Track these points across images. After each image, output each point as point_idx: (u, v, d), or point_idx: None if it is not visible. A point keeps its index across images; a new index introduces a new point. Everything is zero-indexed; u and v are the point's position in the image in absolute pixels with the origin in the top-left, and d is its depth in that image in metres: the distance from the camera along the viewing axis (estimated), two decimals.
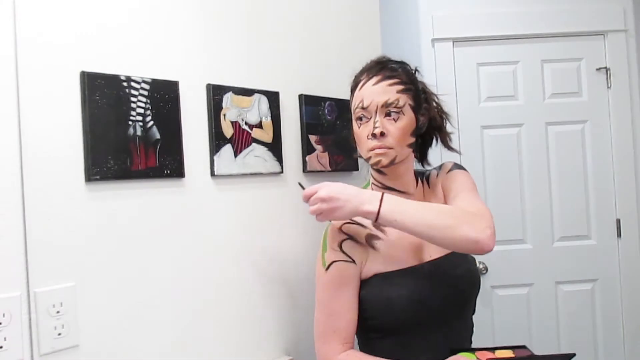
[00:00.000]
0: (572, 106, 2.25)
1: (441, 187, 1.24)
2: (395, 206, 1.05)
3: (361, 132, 1.17)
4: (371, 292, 1.15)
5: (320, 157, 1.51)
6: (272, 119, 1.38)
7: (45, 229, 0.97)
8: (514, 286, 2.23)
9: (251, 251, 1.34)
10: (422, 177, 1.29)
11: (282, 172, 1.41)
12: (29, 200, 0.96)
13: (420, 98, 1.20)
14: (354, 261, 1.16)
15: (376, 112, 1.14)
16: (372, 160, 1.16)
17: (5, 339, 0.91)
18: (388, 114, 1.14)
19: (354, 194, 1.08)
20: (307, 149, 1.48)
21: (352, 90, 1.22)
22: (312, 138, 1.49)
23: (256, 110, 1.35)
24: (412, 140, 1.18)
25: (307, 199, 1.11)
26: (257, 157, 1.35)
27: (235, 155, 1.30)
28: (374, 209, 1.05)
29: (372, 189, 1.24)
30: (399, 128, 1.14)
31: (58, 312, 0.98)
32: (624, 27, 2.23)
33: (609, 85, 2.23)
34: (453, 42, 2.24)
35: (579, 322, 2.23)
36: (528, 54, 2.25)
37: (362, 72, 1.21)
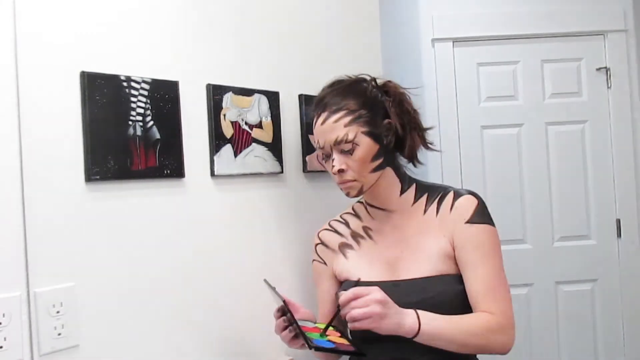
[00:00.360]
0: (572, 106, 2.25)
1: (450, 231, 1.13)
2: (432, 324, 1.02)
3: (328, 168, 1.18)
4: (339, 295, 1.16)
5: (320, 157, 1.51)
6: (272, 119, 1.38)
7: (45, 229, 0.97)
8: (514, 286, 2.19)
9: (251, 251, 1.34)
10: (435, 196, 1.18)
11: (282, 172, 1.41)
12: (29, 200, 0.95)
13: (377, 118, 1.14)
14: (325, 263, 1.28)
15: (332, 150, 1.14)
16: (344, 192, 1.17)
17: (5, 339, 0.91)
18: (342, 150, 1.13)
19: (398, 309, 1.01)
20: (307, 149, 1.48)
21: (313, 129, 1.20)
22: (312, 138, 1.49)
23: (256, 110, 1.35)
24: (377, 162, 1.14)
25: (350, 300, 0.99)
26: (257, 157, 1.35)
27: (235, 155, 1.30)
28: (415, 326, 1.00)
29: (364, 202, 1.26)
30: (356, 160, 1.12)
31: (58, 312, 0.98)
32: (624, 27, 2.23)
33: (609, 85, 2.24)
34: (453, 42, 2.25)
35: (579, 322, 2.23)
36: (528, 54, 2.25)
37: (314, 108, 1.19)
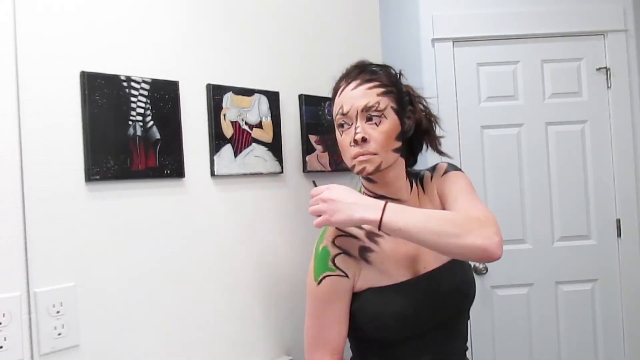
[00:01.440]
0: (572, 106, 2.25)
1: (436, 192, 1.19)
2: (398, 214, 0.99)
3: (343, 139, 1.13)
4: (363, 306, 1.11)
5: (320, 157, 1.51)
6: (272, 119, 1.38)
7: (45, 229, 0.97)
8: (514, 286, 2.24)
9: (251, 251, 1.34)
10: (416, 179, 1.23)
11: (282, 172, 1.41)
12: (29, 200, 0.96)
13: (404, 100, 1.15)
14: (347, 275, 1.11)
15: (357, 118, 1.09)
16: (357, 168, 1.10)
17: (5, 339, 0.91)
18: (369, 119, 1.08)
19: (357, 201, 1.02)
20: (307, 149, 1.48)
21: (333, 98, 1.17)
22: (312, 138, 1.49)
23: (256, 110, 1.35)
24: (398, 144, 1.12)
25: (312, 197, 1.08)
26: (257, 157, 1.35)
27: (235, 155, 1.30)
28: (376, 217, 0.99)
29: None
30: (381, 132, 1.08)
31: (58, 312, 0.98)
32: (624, 27, 2.23)
33: (609, 85, 2.24)
34: (453, 42, 2.25)
35: (579, 322, 2.23)
36: (528, 54, 2.25)
37: (341, 78, 1.16)
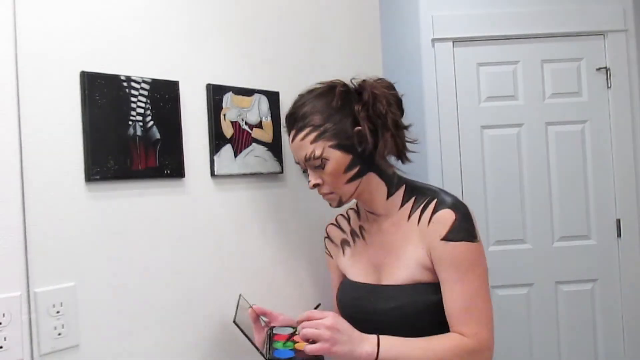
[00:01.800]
0: (572, 106, 2.25)
1: (429, 248, 1.09)
2: (393, 350, 1.01)
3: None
4: (339, 288, 1.27)
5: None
6: (272, 119, 1.38)
7: (45, 229, 0.97)
8: (514, 286, 2.24)
9: (251, 251, 1.34)
10: (422, 200, 1.13)
11: (282, 172, 1.41)
12: (29, 200, 0.96)
13: (345, 128, 1.10)
14: (331, 255, 1.33)
15: (305, 166, 1.15)
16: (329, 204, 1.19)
17: (5, 339, 0.91)
18: (313, 165, 1.12)
19: (355, 335, 1.01)
20: None
21: None
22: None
23: (256, 110, 1.35)
24: (352, 173, 1.11)
25: (304, 320, 1.03)
26: (257, 157, 1.35)
27: (235, 155, 1.30)
28: (373, 352, 1.00)
29: (356, 207, 1.30)
30: (328, 174, 1.11)
31: (58, 312, 0.98)
32: (624, 27, 2.23)
33: (609, 85, 2.24)
34: (453, 42, 2.25)
35: (579, 322, 2.24)
36: (528, 54, 2.25)
37: (285, 124, 1.20)
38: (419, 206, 1.12)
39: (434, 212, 1.09)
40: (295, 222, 1.44)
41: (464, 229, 1.06)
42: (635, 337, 2.23)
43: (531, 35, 2.25)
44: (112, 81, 1.07)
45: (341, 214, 1.34)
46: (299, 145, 1.13)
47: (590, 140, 2.25)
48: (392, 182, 1.17)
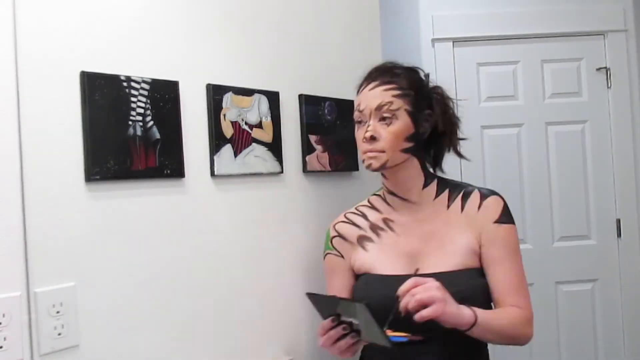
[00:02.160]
0: (572, 106, 2.25)
1: (481, 233, 1.16)
2: (485, 323, 1.05)
3: (357, 135, 1.20)
4: (357, 287, 1.23)
5: (320, 157, 1.51)
6: (272, 119, 1.38)
7: (45, 229, 0.97)
8: None
9: (251, 251, 1.33)
10: (457, 191, 1.21)
11: (282, 172, 1.41)
12: (29, 200, 0.95)
13: (422, 103, 1.18)
14: (342, 256, 1.27)
15: (370, 116, 1.15)
16: (365, 163, 1.18)
17: (5, 339, 0.91)
18: (382, 118, 1.14)
19: (454, 301, 1.01)
20: (307, 149, 1.47)
21: (356, 96, 1.23)
22: (312, 138, 1.49)
23: (256, 110, 1.35)
24: (408, 145, 1.16)
25: (411, 288, 0.98)
26: (257, 157, 1.35)
27: (235, 155, 1.30)
28: (470, 322, 1.02)
29: (382, 194, 1.27)
30: (391, 132, 1.14)
31: (58, 312, 0.98)
32: (624, 27, 2.23)
33: (609, 85, 2.24)
34: (453, 42, 2.25)
35: (579, 322, 2.23)
36: (528, 54, 2.25)
37: (364, 78, 1.22)
38: (457, 195, 1.21)
39: (482, 199, 1.19)
40: (295, 222, 1.44)
41: (510, 214, 1.20)
42: (635, 337, 2.23)
43: (531, 35, 2.24)
44: (112, 81, 1.07)
45: (350, 212, 1.31)
46: (378, 94, 1.15)
47: (590, 140, 2.25)
48: (428, 175, 1.23)
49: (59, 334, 0.98)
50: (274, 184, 1.40)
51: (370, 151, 1.15)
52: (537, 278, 2.24)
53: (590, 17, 2.24)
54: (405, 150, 1.16)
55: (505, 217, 1.19)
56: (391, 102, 1.14)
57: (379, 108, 1.14)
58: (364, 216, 1.28)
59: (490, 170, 2.25)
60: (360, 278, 1.23)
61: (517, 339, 1.15)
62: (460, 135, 1.26)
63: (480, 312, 1.05)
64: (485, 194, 1.21)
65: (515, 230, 1.20)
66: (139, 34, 1.14)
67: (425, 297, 0.96)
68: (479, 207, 1.19)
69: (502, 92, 2.26)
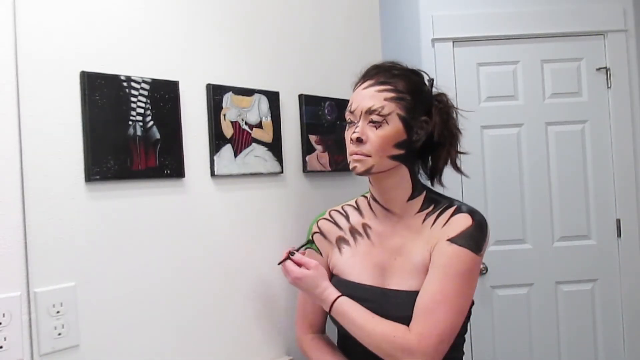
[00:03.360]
0: (572, 106, 2.25)
1: (433, 248, 1.08)
2: (342, 313, 1.11)
3: (346, 135, 1.15)
4: None
5: (320, 157, 1.51)
6: (272, 119, 1.38)
7: (45, 229, 0.97)
8: (514, 286, 2.24)
9: (251, 251, 1.33)
10: (438, 206, 1.13)
11: (282, 172, 1.41)
12: (29, 200, 0.96)
13: (418, 110, 1.11)
14: (320, 253, 1.26)
15: (360, 117, 1.10)
16: (350, 166, 1.12)
17: (5, 339, 0.91)
18: (372, 121, 1.08)
19: (317, 286, 1.15)
20: (307, 149, 1.48)
21: (353, 92, 1.18)
22: (312, 138, 1.49)
23: (256, 110, 1.35)
24: (398, 152, 1.09)
25: (295, 261, 1.18)
26: (257, 157, 1.35)
27: (235, 155, 1.30)
28: (326, 305, 1.14)
29: (369, 197, 1.22)
30: (379, 136, 1.08)
31: (58, 312, 0.98)
32: (624, 27, 2.23)
33: (609, 85, 2.24)
34: (453, 42, 2.25)
35: (579, 322, 2.23)
36: (528, 54, 2.25)
37: (360, 76, 1.17)
38: (437, 211, 1.13)
39: (452, 215, 1.10)
40: (295, 222, 1.44)
41: (473, 237, 1.06)
42: (635, 337, 2.23)
43: (531, 35, 2.24)
44: (112, 81, 1.07)
45: (335, 209, 1.28)
46: (371, 95, 1.09)
47: (590, 140, 2.25)
48: (417, 187, 1.16)
49: (59, 334, 0.98)
50: (274, 184, 1.40)
51: (356, 153, 1.10)
52: (537, 278, 2.24)
53: (590, 17, 2.24)
54: (394, 157, 1.10)
55: (462, 238, 1.05)
56: (382, 107, 1.07)
57: (369, 111, 1.08)
58: (347, 217, 1.24)
59: (490, 170, 2.25)
60: (333, 279, 1.21)
61: (387, 357, 1.04)
62: (460, 148, 1.17)
63: (343, 303, 1.11)
64: (459, 211, 1.10)
65: (469, 256, 1.04)
66: (139, 34, 1.14)
67: (287, 268, 1.17)
68: (445, 222, 1.09)
69: (502, 92, 2.26)
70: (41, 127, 0.98)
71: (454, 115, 1.17)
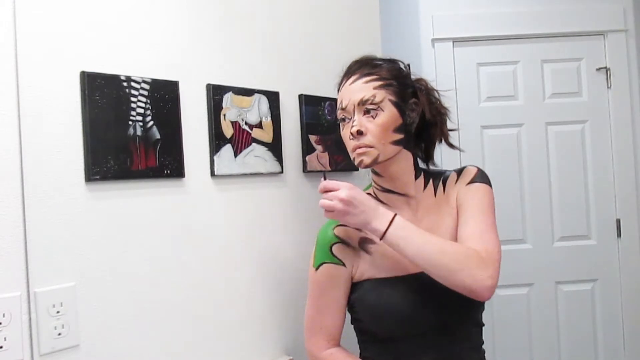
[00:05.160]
0: (572, 106, 2.25)
1: (457, 197, 1.16)
2: (402, 231, 1.03)
3: (344, 133, 1.14)
4: (361, 296, 1.13)
5: (320, 157, 1.51)
6: (272, 119, 1.38)
7: (45, 229, 0.97)
8: (514, 286, 2.23)
9: (251, 251, 1.34)
10: (438, 178, 1.20)
11: (282, 172, 1.41)
12: (29, 200, 0.96)
13: (406, 93, 1.13)
14: (344, 264, 1.14)
15: (354, 111, 1.10)
16: (356, 161, 1.12)
17: (5, 339, 0.91)
18: (367, 112, 1.09)
19: (371, 207, 1.04)
20: (307, 149, 1.48)
21: (338, 92, 1.18)
22: (312, 138, 1.49)
23: (256, 110, 1.35)
24: (398, 137, 1.11)
25: (324, 190, 1.06)
26: (257, 157, 1.35)
27: (235, 155, 1.30)
28: (381, 228, 1.03)
29: (373, 192, 1.20)
30: (377, 125, 1.08)
31: (58, 312, 0.98)
32: (624, 27, 2.23)
33: (609, 85, 2.23)
34: (453, 42, 2.25)
35: (579, 322, 2.23)
36: (528, 54, 2.25)
37: (343, 74, 1.17)
38: (439, 181, 1.19)
39: (458, 173, 1.19)
40: (295, 222, 1.44)
41: (485, 177, 1.18)
42: (635, 337, 2.23)
43: (531, 35, 2.24)
44: (112, 81, 1.07)
45: None
46: (359, 87, 1.10)
47: (590, 140, 2.25)
48: (417, 167, 1.20)
49: (59, 334, 0.98)
50: (274, 184, 1.40)
51: (359, 147, 1.09)
52: (537, 278, 2.24)
53: (590, 17, 2.24)
54: (396, 142, 1.11)
55: (479, 178, 1.16)
56: (374, 95, 1.09)
57: (362, 102, 1.09)
58: None
59: (490, 170, 2.23)
60: (364, 285, 1.13)
61: (456, 274, 0.99)
62: (450, 125, 1.21)
63: (400, 227, 1.03)
64: (460, 170, 1.20)
65: (489, 190, 1.16)
66: (139, 33, 1.14)
67: (326, 205, 1.04)
68: (457, 180, 1.18)
69: (502, 92, 2.26)
70: (41, 127, 0.98)
71: (437, 96, 1.20)
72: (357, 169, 1.62)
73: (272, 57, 1.41)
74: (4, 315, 0.91)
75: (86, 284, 1.03)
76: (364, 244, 1.15)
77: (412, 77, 1.20)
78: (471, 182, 1.16)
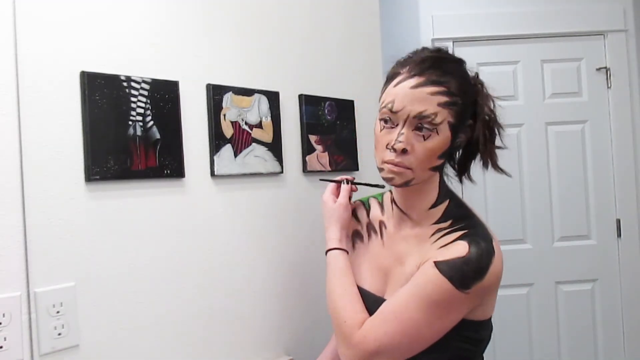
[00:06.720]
0: (572, 106, 2.25)
1: (425, 259, 0.96)
2: (329, 265, 1.09)
3: (382, 137, 0.98)
4: None
5: (320, 157, 1.51)
6: (272, 119, 1.38)
7: (45, 229, 0.97)
8: (514, 286, 2.24)
9: (251, 251, 1.33)
10: (454, 224, 0.99)
11: (282, 172, 1.41)
12: (29, 200, 0.96)
13: (466, 114, 0.98)
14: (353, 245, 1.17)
15: (405, 122, 0.93)
16: (384, 175, 0.98)
17: (5, 339, 0.91)
18: (419, 128, 0.93)
19: (330, 223, 1.15)
20: (307, 149, 1.48)
21: (387, 80, 1.00)
22: (312, 138, 1.49)
23: (256, 110, 1.35)
24: (439, 162, 0.97)
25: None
26: (257, 157, 1.35)
27: (235, 155, 1.30)
28: (327, 247, 1.12)
29: (391, 195, 1.10)
30: (427, 148, 0.94)
31: (58, 312, 0.98)
32: (624, 27, 2.23)
33: (609, 85, 2.24)
34: (453, 42, 2.25)
35: (579, 322, 2.24)
36: (528, 54, 2.25)
37: (404, 63, 0.99)
38: (449, 229, 0.98)
39: (455, 240, 0.95)
40: (295, 222, 1.44)
41: (460, 271, 0.90)
42: (635, 337, 2.23)
43: (531, 35, 2.24)
44: (112, 81, 1.07)
45: (360, 200, 1.19)
46: (422, 97, 0.92)
47: (590, 140, 2.25)
48: (442, 192, 1.03)
49: (59, 334, 0.98)
50: (274, 184, 1.40)
51: (396, 165, 0.94)
52: (537, 278, 2.24)
53: (590, 17, 2.24)
54: (434, 169, 0.98)
55: (448, 267, 0.90)
56: (435, 114, 0.92)
57: (419, 117, 0.92)
58: (368, 211, 1.16)
59: (491, 170, 2.25)
60: None
61: (335, 332, 1.00)
62: (499, 143, 1.04)
63: (335, 256, 1.09)
64: (465, 237, 0.94)
65: (448, 288, 0.89)
66: (139, 33, 1.14)
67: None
68: (446, 245, 0.95)
69: (502, 92, 2.25)
70: (41, 127, 0.98)
71: (493, 107, 1.05)
72: (357, 169, 1.61)
73: (272, 57, 1.41)
74: (4, 315, 0.91)
75: (86, 284, 1.03)
76: (355, 237, 1.17)
77: (471, 75, 1.04)
78: (438, 264, 0.91)
